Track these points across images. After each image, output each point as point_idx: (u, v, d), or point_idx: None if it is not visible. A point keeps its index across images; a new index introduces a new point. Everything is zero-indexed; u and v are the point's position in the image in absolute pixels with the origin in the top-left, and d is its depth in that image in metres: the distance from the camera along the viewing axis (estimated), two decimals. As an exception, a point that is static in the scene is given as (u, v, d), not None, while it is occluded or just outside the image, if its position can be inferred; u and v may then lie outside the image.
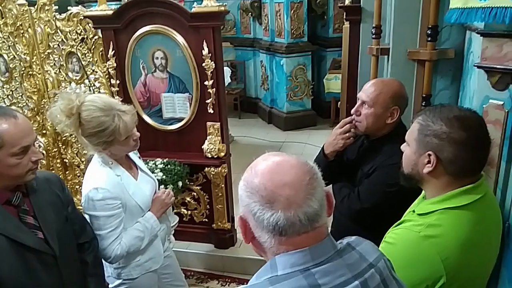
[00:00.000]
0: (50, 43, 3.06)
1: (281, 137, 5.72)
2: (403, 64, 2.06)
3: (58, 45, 3.05)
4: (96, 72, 3.01)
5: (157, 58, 2.83)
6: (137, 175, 1.85)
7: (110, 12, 2.74)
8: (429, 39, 1.93)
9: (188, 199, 3.14)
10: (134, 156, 1.92)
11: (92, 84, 3.03)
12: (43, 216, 1.37)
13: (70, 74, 3.11)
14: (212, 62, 2.68)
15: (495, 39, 1.27)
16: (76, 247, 1.55)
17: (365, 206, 1.63)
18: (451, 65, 1.98)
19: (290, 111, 6.02)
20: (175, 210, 3.04)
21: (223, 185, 3.00)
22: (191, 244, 3.19)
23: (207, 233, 3.18)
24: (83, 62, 2.99)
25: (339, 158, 1.82)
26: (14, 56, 3.19)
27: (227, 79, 5.04)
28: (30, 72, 3.17)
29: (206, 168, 2.94)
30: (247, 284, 0.83)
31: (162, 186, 2.44)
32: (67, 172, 3.44)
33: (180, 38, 2.70)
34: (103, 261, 1.71)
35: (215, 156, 2.88)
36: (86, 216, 1.67)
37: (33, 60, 3.12)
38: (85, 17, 2.84)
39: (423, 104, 2.01)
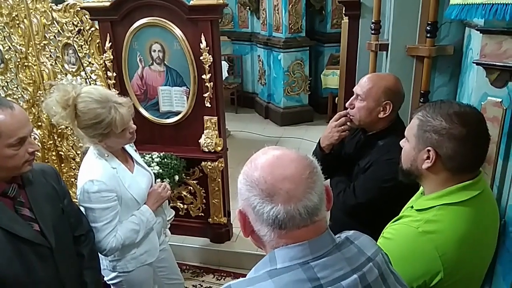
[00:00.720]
0: (46, 34, 3.03)
1: (277, 132, 5.72)
2: (402, 60, 2.05)
3: (54, 36, 3.02)
4: (93, 64, 2.99)
5: (154, 50, 2.81)
6: (133, 168, 1.84)
7: (108, 4, 2.71)
8: (428, 35, 1.92)
9: (184, 193, 3.14)
10: (130, 149, 1.91)
11: (89, 76, 3.01)
12: (39, 208, 1.36)
13: (66, 66, 3.09)
14: (210, 55, 2.66)
15: (494, 36, 1.27)
16: (72, 239, 1.54)
17: (360, 201, 1.64)
18: (450, 61, 1.97)
19: (287, 106, 6.02)
20: (171, 204, 3.04)
21: (219, 180, 3.00)
22: (187, 238, 3.19)
23: (203, 227, 3.18)
24: (79, 54, 2.97)
25: (336, 152, 1.83)
26: (9, 47, 3.16)
27: (224, 74, 5.03)
28: (26, 64, 3.14)
29: (203, 162, 2.93)
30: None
31: (159, 180, 2.43)
32: (62, 165, 3.42)
33: (178, 31, 2.68)
34: (99, 254, 1.70)
35: (212, 150, 2.88)
36: (82, 209, 1.66)
37: (28, 51, 3.09)
38: (82, 8, 2.82)
39: (421, 101, 2.01)
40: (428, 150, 1.13)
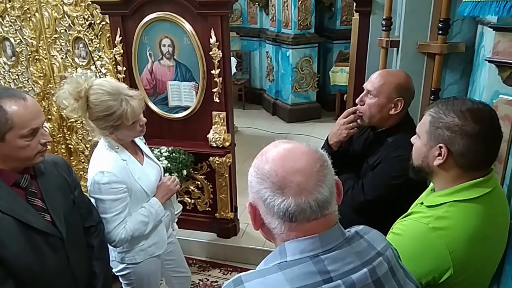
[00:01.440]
0: (57, 28, 3.05)
1: (285, 129, 5.71)
2: (413, 57, 2.04)
3: (65, 30, 3.04)
4: (103, 58, 3.01)
5: (164, 45, 2.82)
6: (142, 161, 1.86)
7: (118, -2, 2.72)
8: (440, 32, 1.91)
9: (192, 188, 3.15)
10: (140, 142, 1.92)
11: (99, 70, 3.03)
12: (50, 199, 1.37)
13: (76, 59, 3.11)
14: (220, 50, 2.67)
15: (508, 33, 1.26)
16: (83, 230, 1.55)
17: (368, 198, 1.63)
18: (461, 59, 1.96)
19: (294, 103, 6.01)
20: (178, 199, 3.05)
21: (227, 175, 3.01)
22: (194, 233, 3.20)
23: (210, 222, 3.20)
24: (90, 48, 2.99)
25: (344, 149, 1.82)
26: (21, 40, 3.19)
27: (233, 69, 5.02)
28: (37, 57, 3.17)
29: (211, 158, 2.94)
30: None
31: (167, 174, 2.44)
32: (71, 158, 3.45)
33: (188, 26, 2.69)
34: (108, 245, 1.72)
35: (220, 146, 2.89)
36: (92, 200, 1.67)
37: (39, 45, 3.12)
38: (92, 2, 2.82)
39: (432, 98, 2.00)
40: (440, 147, 1.12)
